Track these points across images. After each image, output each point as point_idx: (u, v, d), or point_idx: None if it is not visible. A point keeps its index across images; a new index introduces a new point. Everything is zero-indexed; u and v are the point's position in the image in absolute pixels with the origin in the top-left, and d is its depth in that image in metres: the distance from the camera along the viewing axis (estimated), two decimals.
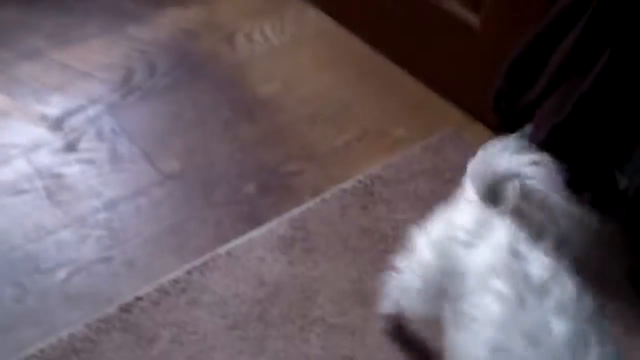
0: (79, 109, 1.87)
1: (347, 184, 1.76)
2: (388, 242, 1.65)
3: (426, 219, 1.35)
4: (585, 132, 1.45)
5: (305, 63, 2.08)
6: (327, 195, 1.73)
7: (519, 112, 1.57)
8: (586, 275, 1.60)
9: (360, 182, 1.76)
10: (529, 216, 1.06)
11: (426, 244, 1.26)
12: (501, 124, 1.71)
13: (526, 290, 0.99)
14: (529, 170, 1.04)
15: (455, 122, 1.95)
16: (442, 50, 1.98)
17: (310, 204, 1.71)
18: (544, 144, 1.45)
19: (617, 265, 1.65)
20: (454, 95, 2.00)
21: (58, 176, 1.71)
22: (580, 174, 1.53)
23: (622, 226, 1.66)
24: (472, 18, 1.86)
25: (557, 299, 0.99)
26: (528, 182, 1.04)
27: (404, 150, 1.86)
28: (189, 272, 1.54)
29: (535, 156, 1.05)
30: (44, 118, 1.84)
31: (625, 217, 1.65)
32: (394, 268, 1.35)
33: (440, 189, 1.77)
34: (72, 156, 1.76)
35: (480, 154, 1.14)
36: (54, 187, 1.68)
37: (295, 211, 1.69)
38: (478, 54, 1.86)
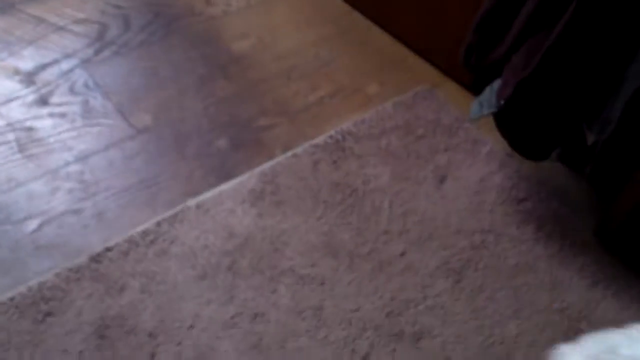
0: (52, 63, 1.87)
1: (318, 140, 1.77)
2: (358, 196, 1.66)
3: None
4: (552, 86, 1.45)
5: (281, 20, 2.08)
6: (298, 150, 1.74)
7: (488, 67, 1.57)
8: (553, 231, 1.64)
9: (331, 137, 1.77)
10: None
11: None
12: (474, 83, 1.72)
13: None
14: None
15: (430, 80, 1.96)
16: (418, 7, 1.98)
17: (281, 158, 1.72)
18: (511, 99, 1.46)
19: (584, 221, 1.68)
20: (429, 53, 2.01)
21: (30, 129, 1.71)
22: (548, 130, 1.55)
23: (589, 182, 1.69)
24: None
25: None
26: None
27: (377, 107, 1.87)
28: (158, 224, 1.55)
29: None
30: (16, 72, 1.83)
31: (592, 172, 1.67)
32: None
33: (412, 144, 1.79)
34: (44, 110, 1.76)
35: None
36: (26, 140, 1.69)
37: (266, 165, 1.70)
38: (453, 11, 1.86)
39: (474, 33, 1.58)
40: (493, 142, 1.79)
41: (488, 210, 1.67)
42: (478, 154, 1.78)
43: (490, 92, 1.55)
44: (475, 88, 1.68)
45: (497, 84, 1.56)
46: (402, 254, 1.57)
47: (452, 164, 1.76)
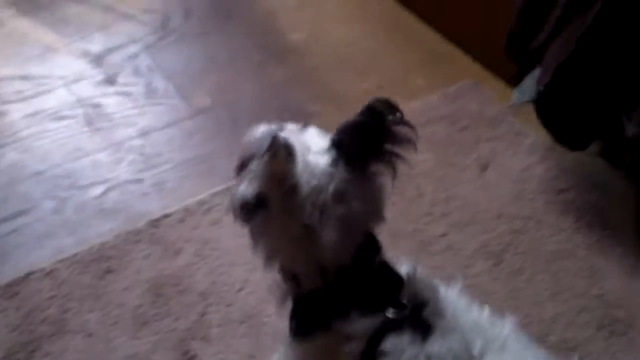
0: (120, 47, 1.92)
1: None
2: (403, 179, 1.66)
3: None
4: (590, 71, 1.44)
5: (333, 14, 2.10)
6: None
7: (529, 56, 1.57)
8: (593, 221, 1.63)
9: None
10: None
11: None
12: (516, 73, 1.72)
13: None
14: None
15: (474, 75, 1.97)
16: (465, 6, 1.99)
17: None
18: (550, 84, 1.46)
19: (624, 214, 1.66)
20: (474, 49, 2.02)
21: (97, 106, 1.76)
22: (587, 117, 1.55)
23: (628, 172, 1.68)
24: None
25: None
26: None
27: (423, 99, 1.88)
28: (213, 195, 1.58)
29: None
30: (87, 54, 1.89)
31: (631, 162, 1.66)
32: None
33: (456, 134, 1.79)
34: (111, 89, 1.81)
35: None
36: (93, 115, 1.74)
37: None
38: (497, 8, 1.87)
39: (515, 22, 1.58)
40: (535, 135, 1.79)
41: (529, 199, 1.67)
42: (520, 145, 1.78)
43: (531, 80, 1.55)
44: (517, 79, 1.68)
45: (537, 72, 1.55)
46: (443, 235, 1.58)
47: (495, 153, 1.76)
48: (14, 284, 1.41)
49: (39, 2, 2.00)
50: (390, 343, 0.91)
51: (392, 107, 0.95)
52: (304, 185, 0.92)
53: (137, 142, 1.69)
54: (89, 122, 1.72)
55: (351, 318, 0.94)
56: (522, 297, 1.48)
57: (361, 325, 0.94)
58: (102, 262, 1.44)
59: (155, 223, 1.51)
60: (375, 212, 0.98)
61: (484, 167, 1.73)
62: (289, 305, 1.01)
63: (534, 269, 1.53)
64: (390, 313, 0.94)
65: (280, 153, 0.89)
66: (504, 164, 1.74)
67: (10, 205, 1.53)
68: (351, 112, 1.82)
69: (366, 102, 1.83)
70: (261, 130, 0.90)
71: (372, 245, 0.99)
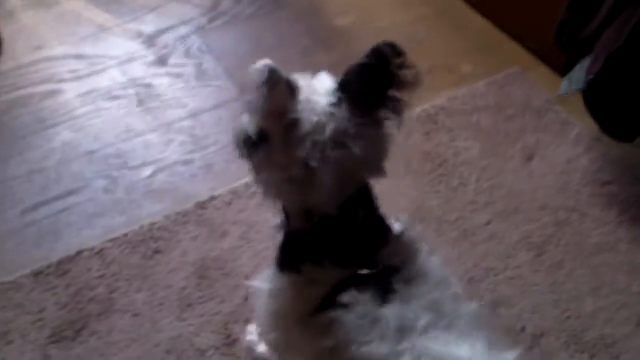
0: (171, 28, 1.93)
1: (412, 112, 1.78)
2: (448, 167, 1.67)
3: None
4: None
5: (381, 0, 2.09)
6: None
7: (579, 45, 1.55)
8: (637, 215, 1.60)
9: (425, 110, 1.78)
10: None
11: None
12: (565, 64, 1.69)
13: None
14: None
15: (522, 62, 1.94)
16: None
17: None
18: (601, 73, 1.43)
19: None
20: (522, 37, 1.99)
21: (148, 86, 1.78)
22: (636, 108, 1.52)
23: None
24: None
25: None
26: None
27: (470, 86, 1.87)
28: None
29: None
30: (139, 34, 1.90)
31: None
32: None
33: (502, 122, 1.78)
34: (162, 69, 1.82)
35: None
36: (144, 95, 1.75)
37: None
38: None
39: (566, 10, 1.55)
40: (581, 125, 1.76)
41: (573, 190, 1.65)
42: (566, 135, 1.76)
43: (580, 70, 1.53)
44: (566, 68, 1.65)
45: (587, 61, 1.53)
46: (487, 224, 1.57)
47: (540, 143, 1.74)
48: (65, 262, 1.44)
49: None
50: (349, 295, 0.94)
51: (397, 51, 0.94)
52: (305, 122, 0.92)
53: (187, 123, 1.70)
54: (141, 102, 1.74)
55: (322, 265, 0.97)
56: (562, 291, 1.47)
57: (329, 274, 0.97)
58: (150, 242, 1.47)
59: (202, 205, 1.53)
60: (374, 161, 0.98)
61: (529, 157, 1.71)
62: (280, 237, 1.05)
63: (575, 263, 1.52)
64: (360, 270, 0.96)
65: (279, 86, 0.90)
66: (549, 154, 1.72)
67: (62, 183, 1.56)
68: None
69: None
70: (259, 64, 0.90)
71: (363, 198, 1.00)
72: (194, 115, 1.72)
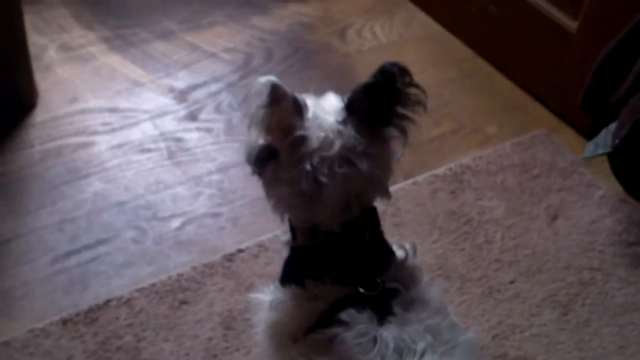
0: (203, 84, 1.98)
1: (438, 170, 1.80)
2: (473, 225, 1.69)
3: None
4: None
5: (409, 60, 2.08)
6: (419, 178, 1.78)
7: (605, 110, 1.57)
8: None
9: (451, 169, 1.81)
10: None
11: None
12: (590, 126, 1.72)
13: None
14: None
15: (547, 124, 1.97)
16: (539, 54, 2.00)
17: (402, 184, 1.76)
18: (627, 139, 1.46)
19: None
20: (547, 98, 2.02)
21: (179, 140, 1.82)
22: None
23: None
24: (569, 24, 1.87)
25: None
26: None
27: (495, 146, 1.89)
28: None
29: None
30: (171, 90, 1.96)
31: None
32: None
33: (527, 183, 1.80)
34: (193, 124, 1.87)
35: None
36: (175, 149, 1.80)
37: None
38: (573, 59, 1.88)
39: (593, 77, 1.59)
40: (607, 187, 1.78)
41: (598, 250, 1.66)
42: (591, 197, 1.77)
43: (606, 134, 1.55)
44: (591, 131, 1.68)
45: (613, 126, 1.55)
46: (512, 282, 1.58)
47: (565, 204, 1.75)
48: (93, 311, 1.46)
49: (129, 39, 2.08)
50: (348, 314, 0.96)
51: (403, 70, 0.97)
52: (313, 138, 0.96)
53: (216, 176, 1.74)
54: (171, 155, 1.78)
55: (323, 281, 1.00)
56: (589, 349, 1.47)
57: (328, 290, 1.00)
58: (178, 293, 1.49)
59: (230, 257, 1.55)
60: (380, 179, 1.01)
61: (554, 217, 1.72)
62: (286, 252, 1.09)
63: (601, 322, 1.52)
64: (361, 289, 0.98)
65: (283, 101, 0.94)
66: (574, 214, 1.73)
67: (93, 233, 1.59)
68: (425, 155, 1.87)
69: (441, 148, 1.86)
70: (263, 79, 0.94)
71: (369, 220, 1.03)
72: (222, 169, 1.76)
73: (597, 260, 1.63)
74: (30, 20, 1.92)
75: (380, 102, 0.98)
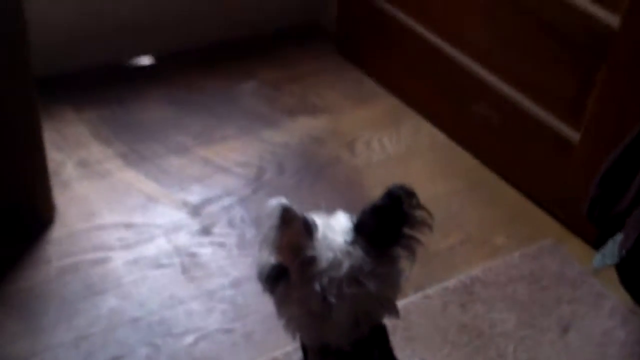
0: (216, 198, 2.03)
1: (448, 283, 1.83)
2: (484, 339, 1.70)
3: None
4: None
5: (417, 172, 2.19)
6: (429, 291, 1.80)
7: (611, 221, 1.60)
8: None
9: (461, 282, 1.83)
10: None
11: None
12: (597, 236, 1.75)
13: None
14: None
15: (554, 233, 2.01)
16: (543, 165, 2.05)
17: (413, 297, 1.78)
18: (632, 250, 1.48)
19: None
20: (553, 208, 2.06)
21: (193, 255, 1.85)
22: None
23: None
24: (572, 135, 1.93)
25: None
26: None
27: (504, 257, 1.92)
28: (298, 349, 1.62)
29: None
30: (185, 204, 2.00)
31: None
32: None
33: (537, 293, 1.81)
34: (206, 239, 1.90)
35: None
36: (189, 264, 1.83)
37: (400, 303, 1.74)
38: (577, 169, 1.92)
39: (597, 187, 1.62)
40: (616, 297, 1.79)
41: None
42: (602, 307, 1.79)
43: (613, 245, 1.57)
44: (598, 241, 1.70)
45: (620, 236, 1.58)
46: None
47: (576, 315, 1.77)
48: None
49: (144, 154, 2.15)
50: None
51: (409, 193, 1.02)
52: (322, 259, 0.99)
53: (229, 292, 1.76)
54: (185, 270, 1.81)
55: None
56: None
57: None
58: None
59: None
60: (388, 298, 1.05)
61: (565, 329, 1.73)
62: None
63: None
64: None
65: (294, 223, 0.97)
66: (585, 326, 1.74)
67: (108, 350, 1.61)
68: (435, 268, 1.89)
69: (450, 260, 1.89)
70: (274, 201, 0.98)
71: (378, 338, 1.07)
72: (235, 284, 1.78)
73: None
74: (49, 137, 1.99)
75: (388, 224, 1.02)
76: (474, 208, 2.09)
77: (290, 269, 1.01)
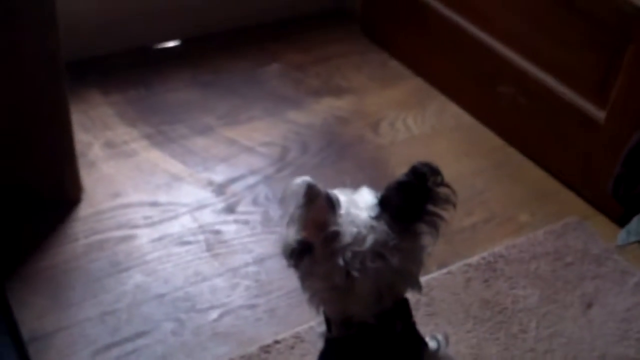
0: (240, 177, 2.05)
1: (471, 260, 1.83)
2: (507, 314, 1.69)
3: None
4: None
5: (442, 151, 2.19)
6: (452, 267, 1.80)
7: (636, 198, 1.59)
8: None
9: (484, 258, 1.83)
10: None
11: None
12: (622, 214, 1.73)
13: None
14: None
15: (579, 211, 1.99)
16: (569, 143, 2.04)
17: (436, 274, 1.78)
18: None
19: None
20: (578, 186, 2.05)
21: (217, 232, 1.87)
22: None
23: None
24: (597, 114, 1.92)
25: None
26: None
27: (528, 234, 1.91)
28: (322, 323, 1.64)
29: None
30: (210, 183, 2.02)
31: None
32: None
33: (561, 270, 1.81)
34: (230, 217, 1.92)
35: None
36: (213, 241, 1.85)
37: (422, 279, 1.75)
38: (602, 148, 1.91)
39: (622, 165, 1.61)
40: None
41: (634, 339, 1.65)
42: (626, 284, 1.78)
43: (638, 222, 1.56)
44: (623, 219, 1.69)
45: None
46: None
47: (600, 291, 1.76)
48: None
49: (169, 135, 2.17)
50: None
51: (434, 170, 1.03)
52: (346, 234, 1.00)
53: (253, 268, 1.78)
54: (209, 247, 1.83)
55: None
56: None
57: None
58: None
59: (266, 349, 1.58)
60: (411, 272, 1.06)
61: (588, 305, 1.72)
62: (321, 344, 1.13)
63: None
64: None
65: (318, 200, 0.99)
66: (608, 302, 1.73)
67: (133, 325, 1.63)
68: (458, 245, 1.89)
69: (474, 237, 1.89)
70: (298, 179, 1.00)
71: (401, 311, 1.08)
72: (259, 261, 1.80)
73: (634, 350, 1.63)
74: (77, 119, 2.01)
75: (412, 200, 1.03)
76: (498, 186, 2.08)
77: (314, 244, 1.02)
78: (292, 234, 1.02)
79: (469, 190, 2.05)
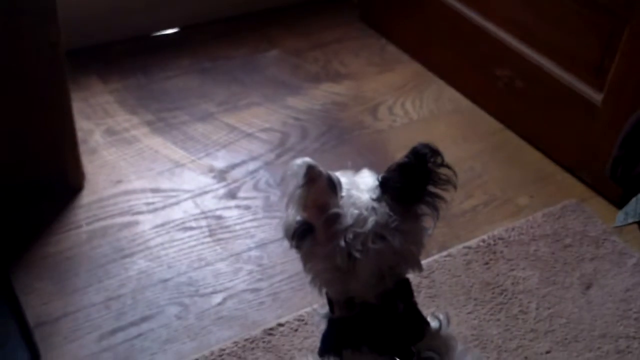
0: (241, 163, 2.05)
1: (471, 242, 1.83)
2: (507, 296, 1.70)
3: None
4: None
5: (440, 135, 2.19)
6: (452, 250, 1.81)
7: (634, 180, 1.60)
8: None
9: (483, 241, 1.84)
10: None
11: None
12: (621, 197, 1.74)
13: None
14: None
15: (578, 194, 2.00)
16: (566, 126, 2.05)
17: (436, 256, 1.79)
18: None
19: None
20: (577, 168, 2.06)
21: (219, 218, 1.88)
22: None
23: None
24: (595, 96, 1.92)
25: None
26: None
27: (527, 217, 1.92)
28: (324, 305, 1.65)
29: None
30: (211, 169, 2.03)
31: None
32: None
33: (560, 252, 1.82)
34: (232, 202, 1.93)
35: None
36: (216, 226, 1.85)
37: (423, 262, 1.76)
38: (600, 130, 1.92)
39: (620, 147, 1.62)
40: (639, 255, 1.79)
41: (634, 318, 1.66)
42: (624, 265, 1.79)
43: (636, 203, 1.57)
44: (622, 201, 1.70)
45: None
46: (548, 352, 1.59)
47: (598, 272, 1.77)
48: None
49: (170, 122, 2.17)
50: None
51: (434, 151, 1.02)
52: (347, 215, 1.00)
53: (255, 253, 1.79)
54: (212, 233, 1.84)
55: (361, 352, 1.04)
56: None
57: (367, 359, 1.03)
58: None
59: (270, 331, 1.59)
60: (412, 253, 1.06)
61: (587, 286, 1.74)
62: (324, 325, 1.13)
63: None
64: (397, 358, 1.02)
65: (319, 181, 0.98)
66: (607, 283, 1.74)
67: (138, 310, 1.64)
68: (458, 228, 1.89)
69: (474, 220, 1.90)
70: (299, 160, 0.99)
71: (403, 291, 1.08)
72: (261, 245, 1.81)
73: (633, 329, 1.64)
74: (78, 107, 2.01)
75: (413, 181, 1.03)
76: (497, 170, 2.09)
77: (315, 225, 1.03)
78: (293, 216, 1.03)
79: (468, 174, 2.05)
